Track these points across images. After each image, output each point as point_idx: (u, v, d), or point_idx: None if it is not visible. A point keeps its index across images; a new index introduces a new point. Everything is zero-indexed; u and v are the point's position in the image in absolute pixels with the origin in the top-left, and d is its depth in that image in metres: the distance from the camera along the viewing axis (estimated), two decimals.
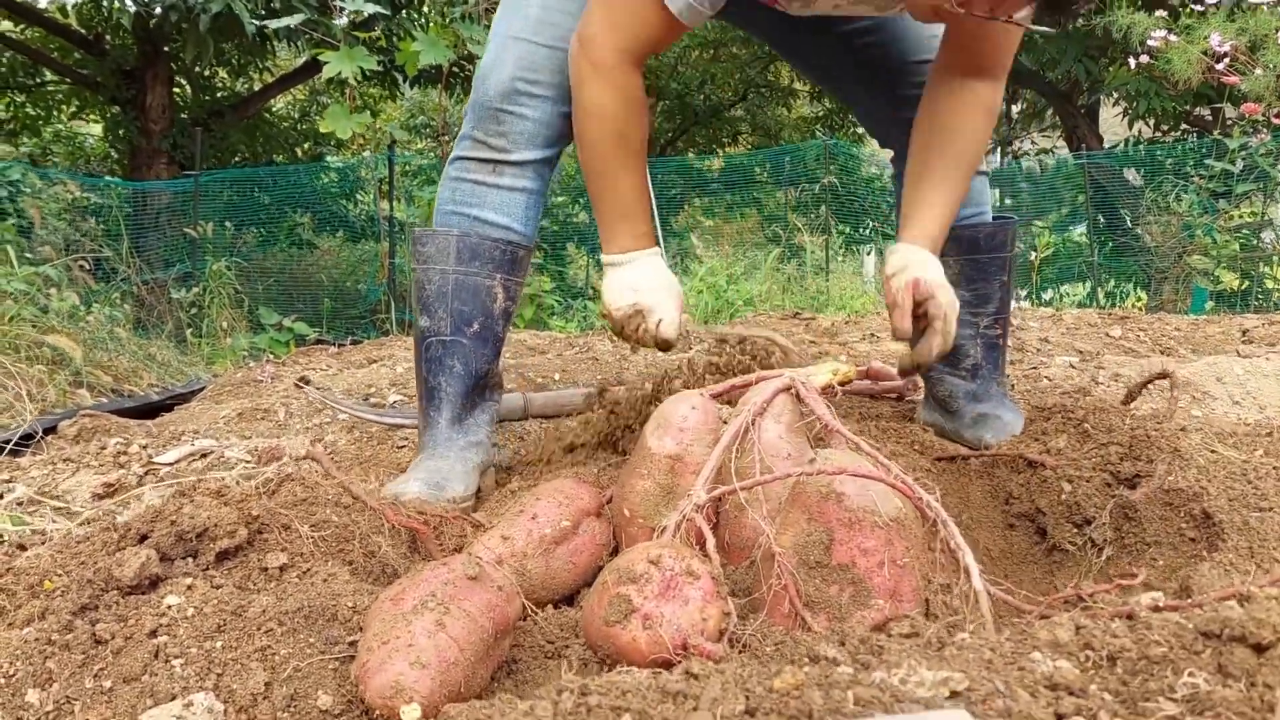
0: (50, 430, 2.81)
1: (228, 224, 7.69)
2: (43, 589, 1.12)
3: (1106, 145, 11.90)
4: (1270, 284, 7.36)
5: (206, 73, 10.93)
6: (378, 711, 0.96)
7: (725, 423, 1.44)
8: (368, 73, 6.30)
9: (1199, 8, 6.40)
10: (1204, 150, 6.97)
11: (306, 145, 13.17)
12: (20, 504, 1.78)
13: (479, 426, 1.93)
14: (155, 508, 1.17)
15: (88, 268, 4.99)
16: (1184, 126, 11.31)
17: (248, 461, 1.95)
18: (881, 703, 0.79)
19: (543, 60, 1.88)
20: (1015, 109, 14.74)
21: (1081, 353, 3.91)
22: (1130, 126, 11.22)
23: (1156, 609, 0.95)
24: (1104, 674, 0.86)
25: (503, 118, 1.88)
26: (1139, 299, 9.08)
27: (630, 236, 1.78)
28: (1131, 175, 8.84)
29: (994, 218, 2.11)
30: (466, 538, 1.47)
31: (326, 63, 5.90)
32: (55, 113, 11.62)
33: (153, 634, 1.02)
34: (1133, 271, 9.19)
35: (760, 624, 1.18)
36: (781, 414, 1.40)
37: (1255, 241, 7.01)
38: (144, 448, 1.99)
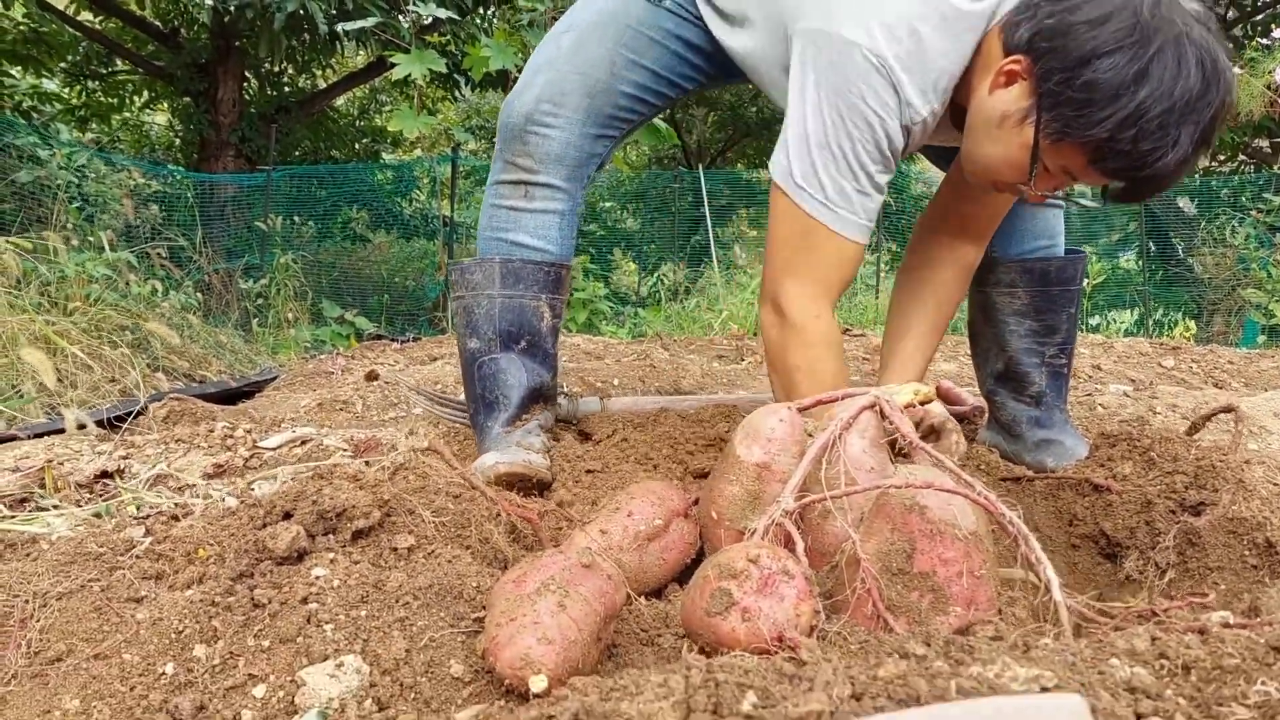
0: (140, 412, 2.98)
1: (295, 218, 7.90)
2: (198, 556, 1.23)
3: None
4: None
5: (276, 69, 11.20)
6: (508, 680, 1.06)
7: (810, 435, 1.53)
8: (433, 74, 6.48)
9: (1265, 41, 6.39)
10: (1262, 184, 6.95)
11: (365, 141, 13.44)
12: (145, 481, 1.91)
13: (530, 433, 1.98)
14: (297, 488, 1.28)
15: (165, 255, 5.18)
16: (1241, 158, 11.23)
17: (344, 449, 2.06)
18: (981, 693, 0.88)
19: (571, 85, 1.95)
20: None
21: (1134, 381, 3.96)
22: None
23: (1227, 625, 1.04)
24: (1179, 681, 0.94)
25: (528, 138, 1.96)
26: (1188, 329, 9.06)
27: None
28: (1185, 205, 8.80)
29: (1065, 251, 2.18)
30: (563, 530, 1.57)
31: (394, 63, 6.06)
32: (127, 102, 11.95)
33: (304, 601, 1.13)
34: (1183, 301, 9.16)
35: (844, 624, 1.26)
36: (866, 429, 1.49)
37: None
38: (248, 432, 2.12)
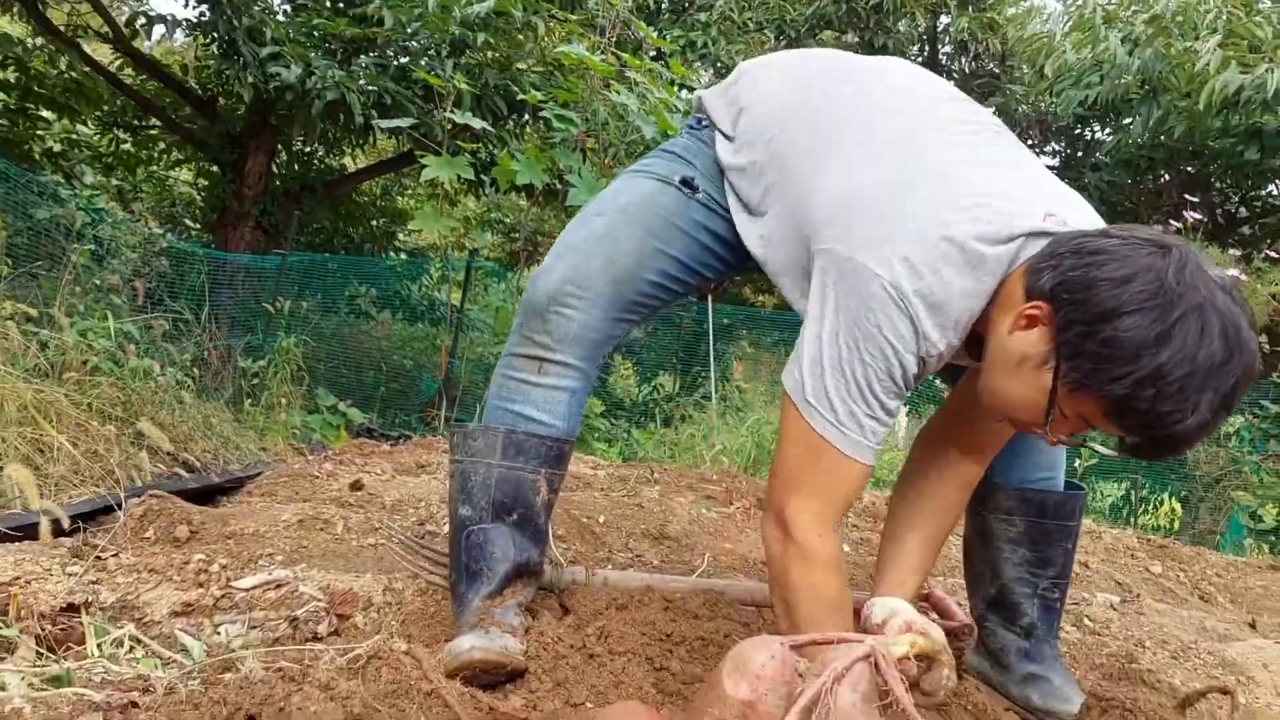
0: (95, 513, 2.96)
1: (304, 303, 7.94)
2: None
3: None
4: None
5: (307, 149, 11.40)
6: None
7: (800, 675, 1.49)
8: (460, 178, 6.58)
9: (1274, 254, 6.55)
10: (1261, 390, 7.02)
11: (382, 221, 13.61)
12: (104, 609, 1.86)
13: (509, 611, 1.94)
14: (265, 690, 1.23)
15: (166, 327, 5.17)
16: None
17: (319, 600, 2.01)
18: None
19: (597, 270, 1.97)
20: None
21: (1121, 586, 3.91)
22: None
23: None
24: None
25: (549, 318, 1.97)
26: (1174, 511, 9.05)
27: None
28: None
29: (1065, 484, 2.17)
30: None
31: (425, 165, 6.15)
32: (156, 158, 12.13)
33: None
34: (1170, 484, 9.17)
35: None
36: (859, 683, 1.44)
37: None
38: (224, 568, 2.07)
